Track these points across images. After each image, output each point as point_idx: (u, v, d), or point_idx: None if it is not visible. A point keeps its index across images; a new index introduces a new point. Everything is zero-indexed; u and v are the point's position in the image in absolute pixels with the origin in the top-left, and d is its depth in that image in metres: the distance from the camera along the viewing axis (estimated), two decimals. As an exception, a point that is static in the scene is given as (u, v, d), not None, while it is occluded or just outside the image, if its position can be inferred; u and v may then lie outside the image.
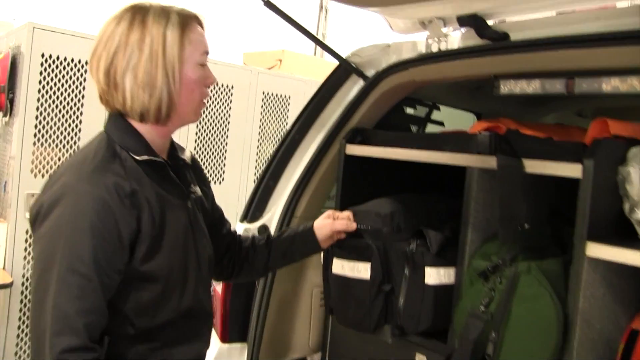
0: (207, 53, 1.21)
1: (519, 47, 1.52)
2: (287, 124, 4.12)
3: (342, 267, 1.65)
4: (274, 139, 4.07)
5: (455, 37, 1.74)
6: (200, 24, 1.21)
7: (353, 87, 1.95)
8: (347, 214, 1.63)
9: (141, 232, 1.10)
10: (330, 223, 1.57)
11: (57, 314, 1.00)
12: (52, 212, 1.04)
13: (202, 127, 3.66)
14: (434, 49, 1.79)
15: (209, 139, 3.71)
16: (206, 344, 1.31)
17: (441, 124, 2.41)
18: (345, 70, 1.94)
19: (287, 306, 1.94)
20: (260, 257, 1.53)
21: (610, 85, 1.36)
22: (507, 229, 1.41)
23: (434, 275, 1.57)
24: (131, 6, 1.16)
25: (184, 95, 1.16)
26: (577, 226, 1.31)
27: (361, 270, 1.58)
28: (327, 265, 1.70)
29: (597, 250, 1.28)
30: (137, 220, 1.09)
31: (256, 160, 4.00)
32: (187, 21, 1.17)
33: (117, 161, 1.12)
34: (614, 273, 1.38)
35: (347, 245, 1.62)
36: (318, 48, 6.38)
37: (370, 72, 1.92)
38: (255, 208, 1.97)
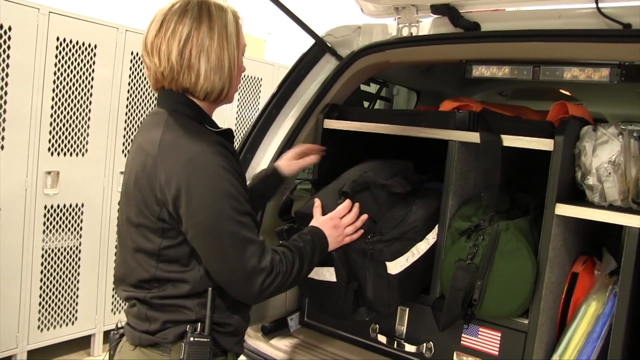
0: (245, 45, 1.37)
1: (491, 37, 1.76)
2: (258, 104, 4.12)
3: None
4: (248, 119, 4.04)
5: (426, 24, 1.94)
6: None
7: (326, 65, 2.09)
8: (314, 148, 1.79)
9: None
10: (296, 163, 1.75)
11: (251, 249, 1.20)
12: (195, 185, 1.18)
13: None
14: (405, 33, 1.98)
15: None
16: None
17: (389, 100, 2.63)
18: (320, 48, 2.06)
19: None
20: None
21: (571, 74, 1.64)
22: (489, 193, 1.66)
23: (396, 267, 1.62)
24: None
25: (236, 79, 1.33)
26: (548, 190, 1.59)
27: (326, 274, 1.62)
28: None
29: (564, 210, 1.58)
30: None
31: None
32: (237, 17, 1.34)
33: (205, 131, 1.27)
34: (567, 228, 1.70)
35: None
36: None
37: (343, 52, 2.06)
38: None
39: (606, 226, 1.55)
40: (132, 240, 1.27)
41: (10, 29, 2.71)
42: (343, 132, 2.01)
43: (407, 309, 1.86)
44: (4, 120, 2.74)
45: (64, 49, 2.96)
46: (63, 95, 2.99)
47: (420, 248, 1.69)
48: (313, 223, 1.51)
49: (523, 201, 1.87)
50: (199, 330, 1.23)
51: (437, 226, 1.76)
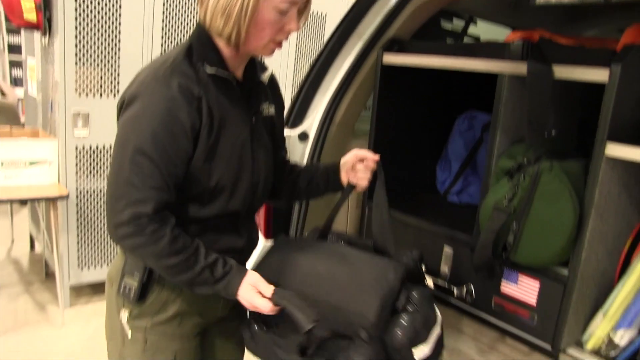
0: (293, 3, 1.21)
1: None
2: (323, 42, 4.15)
3: None
4: (310, 57, 4.10)
5: (495, -53, 1.77)
6: None
7: (391, -1, 2.01)
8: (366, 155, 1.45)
9: (200, 134, 1.23)
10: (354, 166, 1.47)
11: (129, 187, 1.15)
12: (131, 104, 1.19)
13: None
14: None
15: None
16: (242, 237, 1.40)
17: (477, 39, 2.45)
18: (384, -20, 1.99)
19: (326, 203, 2.00)
20: (289, 184, 1.56)
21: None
22: (533, 131, 1.51)
23: None
24: None
25: (253, 32, 1.20)
26: (599, 127, 1.40)
27: None
28: None
29: (616, 150, 1.38)
30: (199, 123, 1.22)
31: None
32: None
33: (191, 68, 1.23)
34: (632, 175, 1.49)
35: None
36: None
37: (409, -17, 1.97)
38: (296, 115, 2.09)
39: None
40: None
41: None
42: (405, 70, 1.94)
43: (450, 251, 1.79)
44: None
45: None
46: (88, 33, 2.98)
47: None
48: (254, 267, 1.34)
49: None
50: None
51: None
